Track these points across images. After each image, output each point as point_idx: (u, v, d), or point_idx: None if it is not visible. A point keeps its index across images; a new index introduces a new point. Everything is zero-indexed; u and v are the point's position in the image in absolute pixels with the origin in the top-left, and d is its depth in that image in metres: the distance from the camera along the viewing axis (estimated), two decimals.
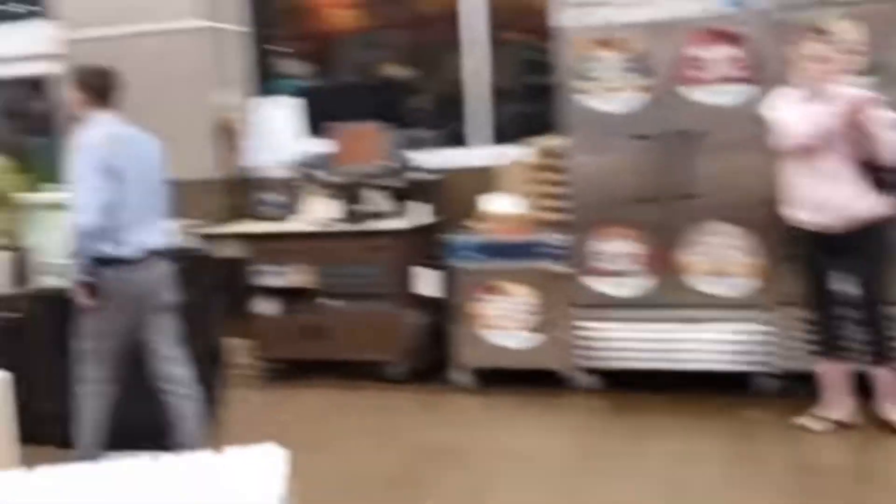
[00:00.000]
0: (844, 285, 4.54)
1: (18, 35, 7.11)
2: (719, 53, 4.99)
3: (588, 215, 5.36)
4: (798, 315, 4.84)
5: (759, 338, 5.14)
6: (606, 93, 5.20)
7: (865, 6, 4.78)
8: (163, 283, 4.34)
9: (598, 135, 5.28)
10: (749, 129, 4.86)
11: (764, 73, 4.91)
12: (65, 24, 6.85)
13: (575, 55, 5.24)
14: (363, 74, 7.32)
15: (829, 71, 4.38)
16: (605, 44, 5.18)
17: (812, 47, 4.39)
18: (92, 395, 4.29)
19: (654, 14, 5.07)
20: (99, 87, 4.24)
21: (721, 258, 5.16)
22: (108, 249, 4.08)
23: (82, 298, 4.11)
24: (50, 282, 5.35)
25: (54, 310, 4.70)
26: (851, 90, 4.36)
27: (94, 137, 4.14)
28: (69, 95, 4.31)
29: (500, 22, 6.67)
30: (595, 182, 5.32)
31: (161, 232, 4.32)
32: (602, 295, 5.38)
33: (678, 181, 5.14)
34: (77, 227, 4.02)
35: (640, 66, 5.13)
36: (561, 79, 5.31)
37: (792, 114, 4.41)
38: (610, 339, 5.40)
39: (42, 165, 7.61)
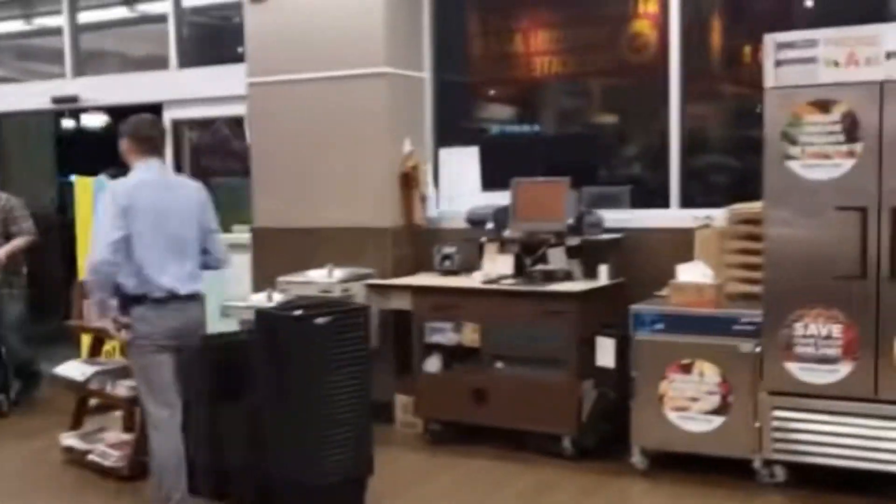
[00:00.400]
0: None
1: (231, 76, 7.39)
2: None
3: (786, 291, 5.03)
4: None
5: None
6: (816, 158, 4.88)
7: None
8: (190, 327, 4.62)
9: (803, 203, 4.96)
10: None
11: None
12: (251, 68, 7.14)
13: (784, 115, 4.96)
14: (558, 124, 7.27)
15: None
16: (819, 105, 4.89)
17: None
18: (155, 433, 4.55)
19: (875, 75, 4.74)
20: (141, 136, 4.60)
21: None
22: (133, 287, 4.44)
23: (113, 331, 4.56)
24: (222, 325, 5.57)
25: (213, 356, 4.84)
26: None
27: (121, 182, 4.56)
28: (120, 144, 4.66)
29: (709, 74, 6.49)
30: (796, 255, 4.99)
31: (190, 277, 4.60)
32: (797, 381, 5.03)
33: (890, 260, 4.76)
34: (88, 262, 4.42)
35: (856, 130, 4.81)
36: (767, 140, 5.04)
37: None
38: (803, 431, 5.02)
39: (234, 204, 7.96)
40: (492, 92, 7.48)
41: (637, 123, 6.85)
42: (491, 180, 6.72)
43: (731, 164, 6.45)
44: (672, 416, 5.35)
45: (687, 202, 6.25)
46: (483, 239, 6.34)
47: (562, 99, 7.33)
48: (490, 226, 6.29)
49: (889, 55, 4.70)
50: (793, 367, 5.04)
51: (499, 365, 5.93)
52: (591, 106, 7.22)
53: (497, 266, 6.21)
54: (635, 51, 6.62)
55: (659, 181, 6.38)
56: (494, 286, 5.97)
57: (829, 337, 4.95)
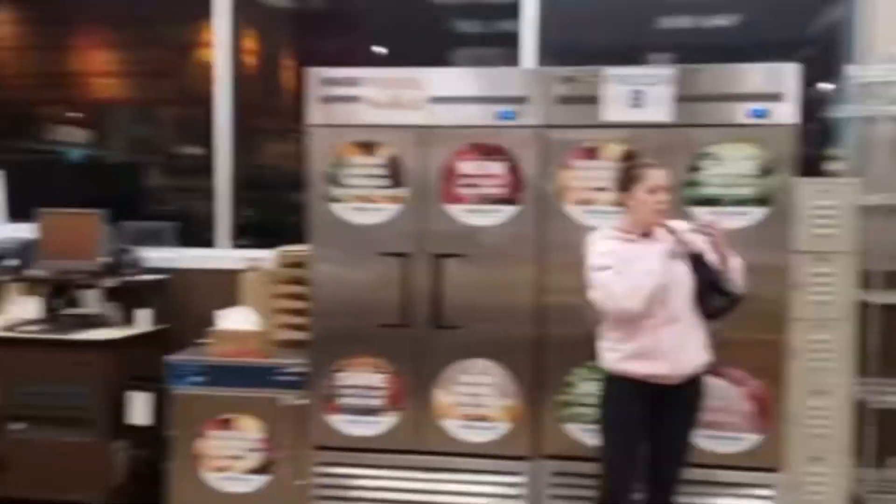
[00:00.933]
0: (655, 441, 4.21)
1: None
2: (484, 169, 4.72)
3: (331, 339, 4.90)
4: (567, 468, 4.70)
5: (515, 491, 4.81)
6: (360, 202, 4.82)
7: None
8: None
9: (347, 248, 4.86)
10: (513, 253, 4.69)
11: (532, 193, 4.69)
12: None
13: (329, 155, 4.86)
14: (111, 151, 6.82)
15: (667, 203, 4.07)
16: (363, 147, 4.83)
17: (656, 175, 4.05)
18: None
19: (416, 119, 4.74)
20: None
21: (477, 398, 4.82)
22: None
23: None
24: None
25: None
26: (686, 222, 4.17)
27: None
28: None
29: (269, 110, 6.34)
30: (341, 301, 4.87)
31: None
32: (342, 434, 4.92)
33: (432, 307, 4.81)
34: None
35: (399, 175, 4.81)
36: (311, 180, 4.92)
37: (634, 265, 3.99)
38: (349, 487, 4.93)
39: None
40: (34, 111, 6.87)
41: (190, 156, 6.55)
42: (23, 209, 6.08)
43: (288, 202, 6.31)
44: (211, 477, 5.05)
45: (239, 242, 6.05)
46: (3, 278, 5.71)
47: (120, 125, 6.93)
48: (13, 262, 5.67)
49: (431, 100, 4.74)
50: (338, 420, 4.93)
51: (18, 426, 5.32)
52: (149, 134, 6.86)
53: (20, 310, 5.61)
54: (197, 80, 6.31)
55: (209, 218, 6.11)
56: (12, 334, 5.36)
57: (373, 387, 4.90)
